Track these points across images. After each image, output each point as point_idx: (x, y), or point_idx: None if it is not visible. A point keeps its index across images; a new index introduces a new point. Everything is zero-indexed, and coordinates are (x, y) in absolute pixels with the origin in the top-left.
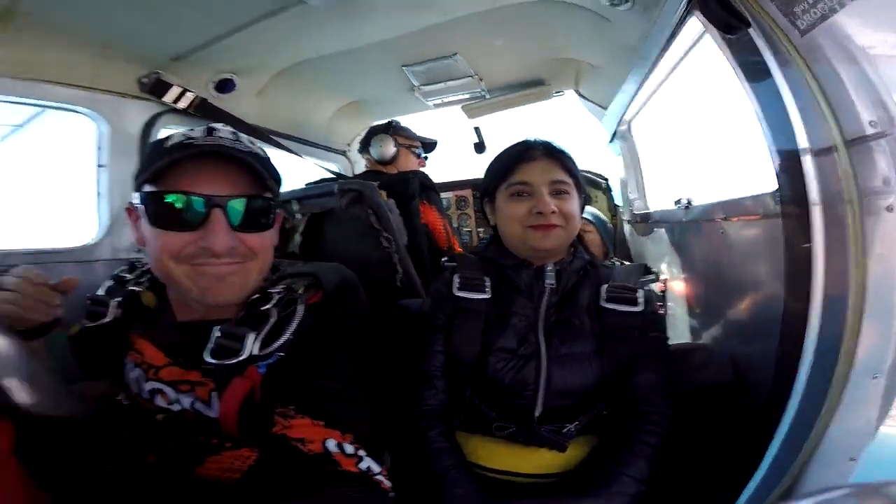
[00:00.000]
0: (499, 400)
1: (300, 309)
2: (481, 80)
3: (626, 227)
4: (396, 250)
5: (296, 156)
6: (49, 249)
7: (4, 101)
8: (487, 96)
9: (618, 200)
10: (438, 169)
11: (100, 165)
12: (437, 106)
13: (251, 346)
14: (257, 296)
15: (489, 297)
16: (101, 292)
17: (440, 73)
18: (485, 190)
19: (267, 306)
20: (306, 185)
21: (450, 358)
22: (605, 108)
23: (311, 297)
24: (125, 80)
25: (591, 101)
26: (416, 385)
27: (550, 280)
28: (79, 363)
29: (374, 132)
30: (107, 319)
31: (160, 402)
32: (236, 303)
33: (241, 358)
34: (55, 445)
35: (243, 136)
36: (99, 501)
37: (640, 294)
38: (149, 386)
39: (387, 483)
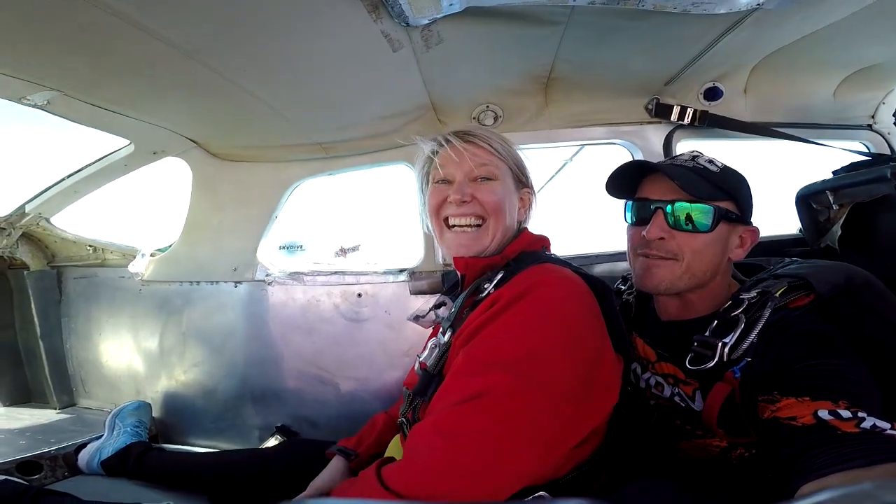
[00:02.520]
0: None
1: (766, 312)
2: None
3: None
4: None
5: (805, 143)
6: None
7: (564, 146)
8: None
9: None
10: None
11: None
12: None
13: (720, 353)
14: (730, 303)
15: None
16: None
17: None
18: None
19: (736, 312)
20: (833, 172)
21: None
22: None
23: (796, 300)
24: (638, 112)
25: None
26: None
27: None
28: None
29: None
30: None
31: (655, 390)
32: (666, 293)
33: (710, 365)
34: None
35: (703, 157)
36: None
37: None
38: (646, 376)
39: None
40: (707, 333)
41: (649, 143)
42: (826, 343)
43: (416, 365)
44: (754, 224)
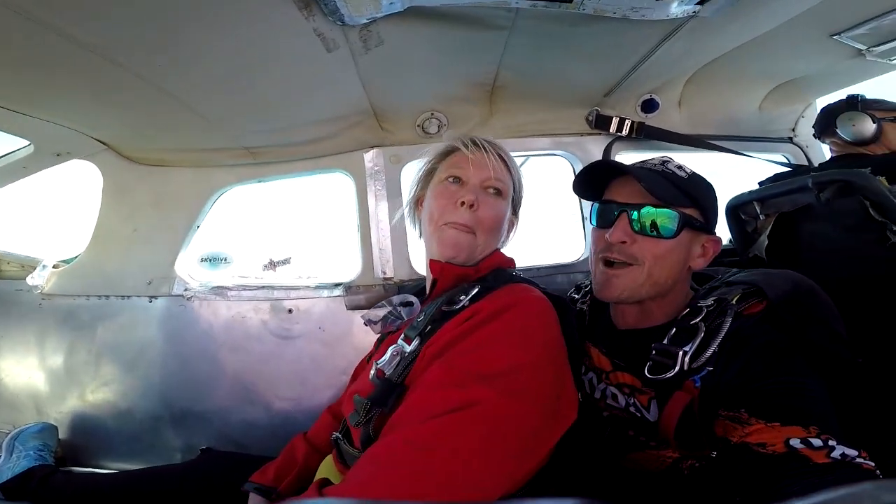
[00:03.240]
0: None
1: (727, 320)
2: None
3: None
4: None
5: (735, 154)
6: (555, 265)
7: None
8: None
9: None
10: None
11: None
12: None
13: (680, 362)
14: (687, 310)
15: None
16: None
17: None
18: None
19: (695, 320)
20: (759, 183)
21: None
22: None
23: (750, 307)
24: (579, 123)
25: None
26: None
27: None
28: None
29: (832, 112)
30: None
31: (610, 401)
32: (626, 301)
33: (671, 374)
34: None
35: (673, 162)
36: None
37: None
38: (601, 387)
39: (868, 464)
40: (665, 341)
41: (589, 154)
42: (789, 356)
43: (372, 372)
44: (717, 234)
